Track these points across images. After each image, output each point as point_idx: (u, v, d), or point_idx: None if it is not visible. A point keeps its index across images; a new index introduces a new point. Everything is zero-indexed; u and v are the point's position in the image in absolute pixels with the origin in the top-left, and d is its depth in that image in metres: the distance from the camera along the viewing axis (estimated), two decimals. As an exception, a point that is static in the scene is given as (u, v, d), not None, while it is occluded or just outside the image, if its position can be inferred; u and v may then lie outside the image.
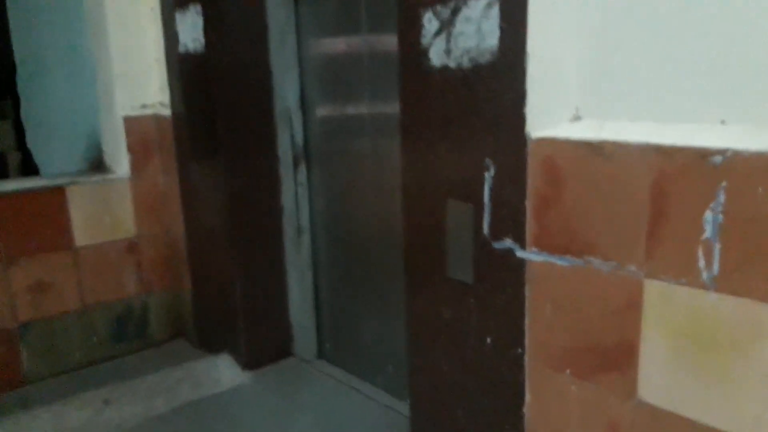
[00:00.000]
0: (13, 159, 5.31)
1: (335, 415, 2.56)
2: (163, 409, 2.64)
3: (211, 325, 3.09)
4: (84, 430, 2.54)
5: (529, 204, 1.55)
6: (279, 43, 2.73)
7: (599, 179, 1.40)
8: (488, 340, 1.71)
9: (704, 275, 1.26)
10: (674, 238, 1.30)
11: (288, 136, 2.81)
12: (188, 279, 3.15)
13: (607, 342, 1.45)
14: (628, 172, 1.35)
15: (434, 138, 1.73)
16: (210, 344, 3.09)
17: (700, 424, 1.32)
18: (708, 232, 1.24)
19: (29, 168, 3.35)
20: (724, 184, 1.21)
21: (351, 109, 2.61)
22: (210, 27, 2.62)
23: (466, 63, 1.61)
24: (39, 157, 3.69)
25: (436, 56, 1.68)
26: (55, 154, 3.49)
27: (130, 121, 3.03)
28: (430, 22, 1.68)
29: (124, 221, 3.08)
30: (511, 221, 1.60)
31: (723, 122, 1.28)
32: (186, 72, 2.83)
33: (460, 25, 1.61)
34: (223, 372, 2.86)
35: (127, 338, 3.17)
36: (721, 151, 1.21)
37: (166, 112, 3.01)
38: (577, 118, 1.52)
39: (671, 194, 1.29)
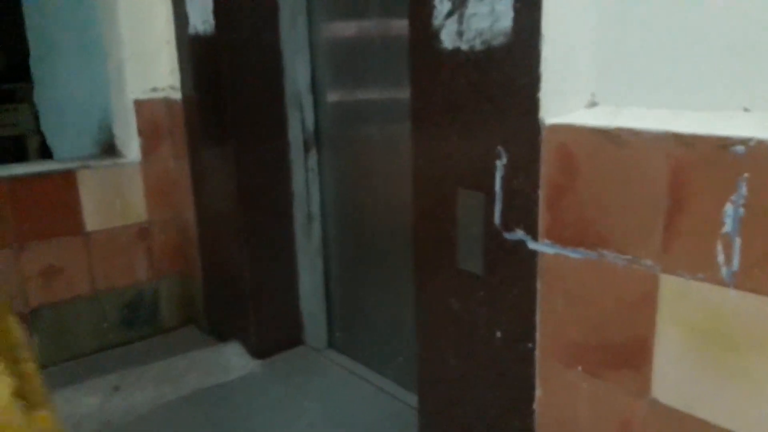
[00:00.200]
0: (33, 142, 5.32)
1: (344, 405, 2.53)
2: (171, 397, 2.62)
3: (221, 313, 3.07)
4: (93, 417, 2.52)
5: (542, 194, 1.49)
6: (290, 25, 2.67)
7: (615, 168, 1.34)
8: (498, 333, 1.66)
9: (723, 271, 1.20)
10: (692, 232, 1.23)
11: (298, 121, 2.76)
12: (199, 265, 3.13)
13: (621, 338, 1.39)
14: (645, 161, 1.29)
15: (445, 124, 1.67)
16: (220, 331, 3.06)
17: (715, 426, 1.26)
18: (728, 225, 1.18)
19: (49, 151, 3.35)
20: (746, 175, 1.15)
21: (362, 94, 2.55)
22: (220, 8, 2.57)
23: (478, 45, 1.55)
24: (52, 141, 3.66)
25: (448, 38, 1.62)
26: (66, 138, 3.46)
27: (140, 105, 3.00)
28: (441, 3, 1.62)
29: (135, 206, 3.05)
30: (523, 211, 1.54)
31: (746, 109, 1.21)
32: (196, 54, 2.79)
33: (472, 6, 1.54)
34: (233, 360, 2.84)
35: (137, 324, 3.15)
36: (744, 141, 1.14)
37: (177, 95, 2.98)
38: (592, 103, 1.45)
39: (690, 185, 1.23)
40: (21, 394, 1.33)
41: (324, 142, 2.80)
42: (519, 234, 1.56)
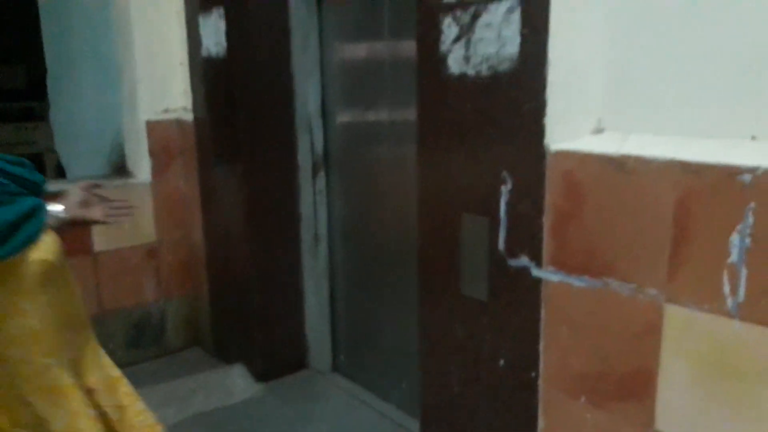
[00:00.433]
0: (51, 160, 5.34)
1: (346, 431, 2.50)
2: (176, 419, 2.59)
3: (227, 335, 3.05)
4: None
5: (547, 220, 1.48)
6: (301, 48, 2.68)
7: (621, 196, 1.32)
8: (501, 361, 1.63)
9: (729, 302, 1.17)
10: (698, 262, 1.21)
11: (308, 143, 2.76)
12: (206, 286, 3.12)
13: (625, 369, 1.37)
14: (651, 189, 1.27)
15: (451, 149, 1.66)
16: (225, 354, 3.04)
17: (722, 462, 1.23)
18: (734, 255, 1.16)
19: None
20: (752, 204, 1.13)
21: (371, 116, 2.55)
22: (233, 31, 2.59)
23: (485, 71, 1.54)
24: (65, 160, 3.70)
25: (455, 63, 1.62)
26: (80, 157, 3.49)
27: (152, 126, 3.01)
28: (449, 28, 1.62)
29: (144, 226, 3.05)
30: (527, 238, 1.52)
31: (753, 138, 1.19)
32: (208, 76, 2.80)
33: (480, 31, 1.54)
34: (237, 383, 2.81)
35: (143, 345, 3.13)
36: (751, 170, 1.12)
37: (189, 116, 2.99)
38: (599, 130, 1.44)
39: (696, 214, 1.21)
40: None
41: (332, 165, 2.80)
42: (523, 260, 1.54)
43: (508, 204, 1.54)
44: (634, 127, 1.37)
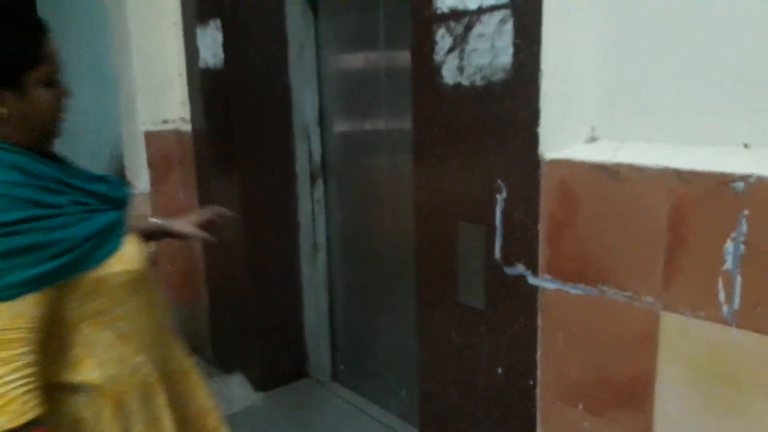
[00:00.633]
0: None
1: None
2: (174, 429, 2.59)
3: (226, 344, 3.05)
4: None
5: (542, 228, 1.48)
6: (298, 59, 2.70)
7: (615, 204, 1.33)
8: (499, 370, 1.64)
9: (724, 309, 1.18)
10: (693, 269, 1.22)
11: (306, 152, 2.77)
12: (205, 295, 3.12)
13: (622, 376, 1.37)
14: (645, 197, 1.28)
15: (446, 157, 1.67)
16: (225, 362, 3.04)
17: (719, 469, 1.23)
18: (729, 263, 1.16)
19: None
20: (746, 212, 1.13)
21: (368, 125, 2.56)
22: (229, 42, 2.60)
23: (479, 81, 1.55)
24: (64, 171, 3.70)
25: (449, 74, 1.63)
26: (78, 168, 3.50)
27: (150, 136, 3.02)
28: (443, 39, 1.62)
29: (143, 236, 3.05)
30: (523, 246, 1.53)
31: (746, 146, 1.20)
32: (206, 87, 2.81)
33: (473, 42, 1.55)
34: (236, 392, 2.81)
35: (143, 354, 3.13)
36: (744, 177, 1.13)
37: (187, 127, 3.00)
38: (592, 138, 1.45)
39: (690, 222, 1.21)
40: None
41: (330, 173, 2.81)
42: (519, 268, 1.54)
43: (504, 212, 1.55)
44: (628, 135, 1.38)
